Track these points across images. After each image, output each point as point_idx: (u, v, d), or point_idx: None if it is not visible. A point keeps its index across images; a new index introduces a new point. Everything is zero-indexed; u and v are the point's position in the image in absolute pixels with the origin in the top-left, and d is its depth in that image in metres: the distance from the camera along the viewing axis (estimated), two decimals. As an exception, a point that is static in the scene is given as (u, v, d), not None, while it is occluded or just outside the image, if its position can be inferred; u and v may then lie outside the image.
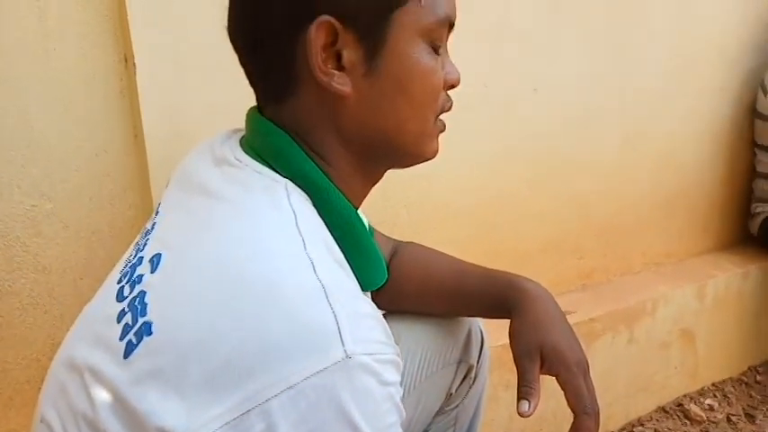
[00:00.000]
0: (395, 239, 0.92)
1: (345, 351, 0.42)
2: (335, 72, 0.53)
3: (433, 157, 0.62)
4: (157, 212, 0.62)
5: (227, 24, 0.58)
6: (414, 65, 0.55)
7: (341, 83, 0.53)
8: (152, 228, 0.59)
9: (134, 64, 0.84)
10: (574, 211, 1.44)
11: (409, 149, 0.59)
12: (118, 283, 0.54)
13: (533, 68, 1.30)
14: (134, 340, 0.47)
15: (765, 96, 1.62)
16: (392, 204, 1.19)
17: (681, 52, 1.53)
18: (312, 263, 0.46)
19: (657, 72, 1.50)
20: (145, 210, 0.90)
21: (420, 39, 0.55)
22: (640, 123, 1.50)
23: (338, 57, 0.53)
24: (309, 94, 0.55)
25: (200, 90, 0.87)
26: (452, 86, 0.60)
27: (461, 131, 1.23)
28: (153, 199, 0.87)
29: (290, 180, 0.54)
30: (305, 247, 0.48)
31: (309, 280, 0.45)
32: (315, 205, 0.54)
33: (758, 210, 1.75)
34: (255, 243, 0.47)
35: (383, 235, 0.90)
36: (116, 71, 0.86)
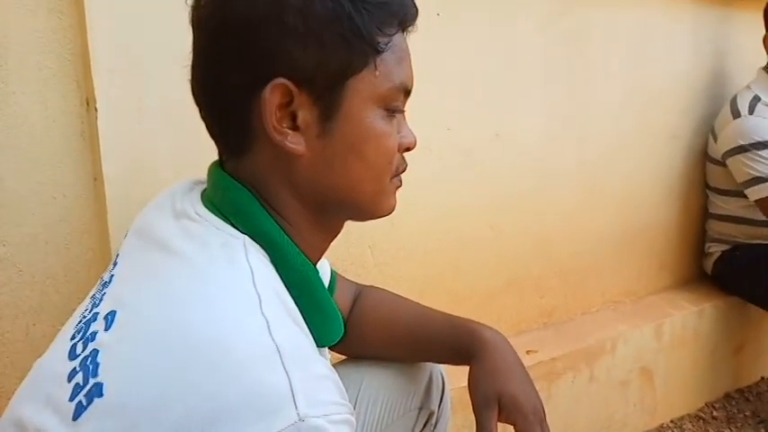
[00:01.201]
0: (357, 284, 0.92)
1: (298, 414, 0.42)
2: (289, 132, 0.54)
3: (390, 212, 0.63)
4: (115, 263, 0.61)
5: (190, 78, 0.59)
6: (367, 129, 0.56)
7: (294, 142, 0.54)
8: (109, 280, 0.58)
9: (95, 108, 0.83)
10: (535, 251, 1.47)
11: (364, 207, 0.60)
12: (71, 339, 0.53)
13: (495, 114, 1.34)
14: (84, 402, 0.46)
15: (716, 142, 1.70)
16: (357, 244, 1.20)
17: (635, 101, 1.60)
18: (267, 323, 0.47)
19: (614, 120, 1.56)
20: (102, 253, 0.88)
21: (375, 105, 0.56)
22: (598, 167, 1.55)
23: (293, 117, 0.54)
24: (266, 151, 0.56)
25: (161, 134, 0.87)
26: (408, 149, 0.62)
27: (425, 173, 1.25)
28: (111, 243, 0.86)
29: (249, 236, 0.54)
30: (260, 306, 0.48)
31: (263, 341, 0.45)
32: (273, 262, 0.55)
33: (712, 249, 1.81)
34: (210, 304, 0.47)
35: (346, 280, 0.90)
36: (77, 114, 0.86)
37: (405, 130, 0.61)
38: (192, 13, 0.57)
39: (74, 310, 0.74)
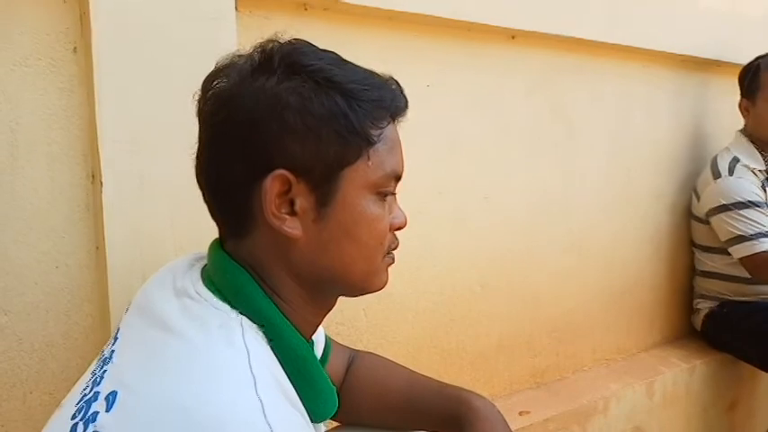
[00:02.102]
0: (351, 349, 0.94)
1: None
2: (287, 217, 0.58)
3: (382, 288, 0.66)
4: (116, 338, 0.63)
5: (195, 165, 0.63)
6: (361, 214, 0.60)
7: (292, 227, 0.58)
8: (110, 356, 0.60)
9: (101, 182, 0.87)
10: (525, 310, 1.50)
11: (357, 285, 0.63)
12: (72, 418, 0.55)
13: (484, 179, 1.39)
14: None
15: (699, 202, 1.75)
16: (351, 306, 1.22)
17: (620, 163, 1.66)
18: (262, 404, 0.49)
19: (599, 181, 1.61)
20: (102, 321, 0.90)
21: (368, 191, 0.60)
22: (585, 227, 1.60)
23: (291, 203, 0.58)
24: (264, 234, 0.59)
25: (161, 207, 0.90)
26: (399, 229, 0.66)
27: (417, 236, 1.29)
28: (110, 310, 0.88)
29: (247, 317, 0.57)
30: (256, 388, 0.50)
31: (257, 423, 0.48)
32: (269, 341, 0.57)
33: (700, 306, 1.84)
34: (207, 386, 0.50)
35: (340, 346, 0.92)
36: (83, 187, 0.89)
37: (396, 210, 0.65)
38: (198, 107, 0.62)
39: (71, 378, 0.75)
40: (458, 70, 1.32)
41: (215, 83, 0.61)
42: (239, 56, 0.62)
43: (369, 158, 0.59)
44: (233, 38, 0.97)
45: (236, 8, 0.98)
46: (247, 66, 0.60)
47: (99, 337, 0.91)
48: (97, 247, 0.91)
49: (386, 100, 0.61)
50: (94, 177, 0.89)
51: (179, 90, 0.89)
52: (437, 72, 1.29)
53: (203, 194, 0.63)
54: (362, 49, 1.17)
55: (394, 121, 0.64)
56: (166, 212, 0.89)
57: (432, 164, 1.30)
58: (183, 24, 0.91)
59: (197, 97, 0.63)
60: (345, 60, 0.63)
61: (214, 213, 0.63)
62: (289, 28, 1.07)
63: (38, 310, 0.87)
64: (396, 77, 1.14)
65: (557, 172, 1.52)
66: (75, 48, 0.87)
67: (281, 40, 0.62)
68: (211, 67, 0.80)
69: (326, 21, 1.12)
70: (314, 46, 0.63)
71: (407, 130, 0.67)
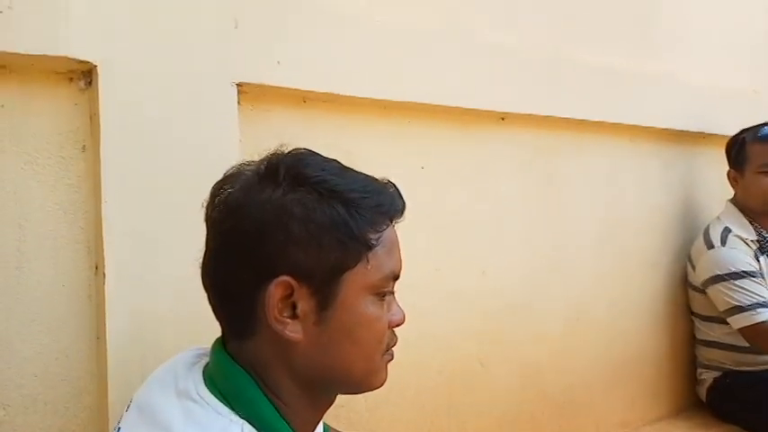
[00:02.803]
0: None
1: None
2: (289, 321, 0.60)
3: (381, 386, 0.67)
4: (116, 438, 0.64)
5: (201, 266, 0.66)
6: (360, 316, 0.62)
7: (293, 330, 0.60)
8: None
9: (104, 273, 0.89)
10: (526, 386, 1.49)
11: (357, 384, 0.65)
12: None
13: (481, 254, 1.41)
14: None
15: (694, 271, 1.77)
16: (349, 387, 1.21)
17: (613, 234, 1.68)
18: None
19: (593, 253, 1.64)
20: (100, 414, 0.90)
21: (367, 293, 0.63)
22: (582, 299, 1.61)
23: (293, 306, 0.61)
24: (266, 337, 0.61)
25: (162, 300, 0.92)
26: (397, 326, 0.68)
27: (415, 314, 1.28)
28: (109, 404, 0.88)
29: (248, 421, 0.58)
30: None
31: None
32: None
33: (703, 376, 1.82)
34: None
35: (337, 432, 0.92)
36: (86, 278, 0.91)
37: (394, 308, 0.68)
38: (206, 213, 0.66)
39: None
40: (451, 151, 1.37)
41: (223, 190, 0.64)
42: (247, 164, 0.67)
43: (368, 262, 0.62)
44: (235, 132, 1.02)
45: (238, 103, 1.03)
46: (254, 176, 0.64)
47: (96, 428, 0.91)
48: (98, 338, 0.92)
49: (385, 205, 0.65)
50: (98, 268, 0.91)
51: (182, 185, 0.94)
52: (431, 154, 1.33)
53: (208, 296, 0.66)
54: (359, 136, 1.22)
55: (392, 222, 0.67)
56: (168, 305, 0.91)
57: (428, 241, 1.33)
58: (187, 121, 0.96)
59: (205, 203, 0.66)
60: (347, 168, 0.67)
61: (218, 314, 0.66)
62: (289, 121, 1.14)
63: (36, 402, 0.88)
64: (391, 160, 1.19)
65: (551, 245, 1.54)
66: (84, 146, 0.91)
67: (286, 151, 0.66)
68: (213, 163, 0.85)
69: (325, 111, 1.17)
70: (317, 155, 0.67)
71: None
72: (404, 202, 0.68)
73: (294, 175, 0.62)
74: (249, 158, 0.99)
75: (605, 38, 1.64)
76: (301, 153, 0.66)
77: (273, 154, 0.66)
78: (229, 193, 0.63)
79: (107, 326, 0.90)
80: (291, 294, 0.60)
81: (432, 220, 1.33)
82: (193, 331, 0.89)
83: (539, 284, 1.52)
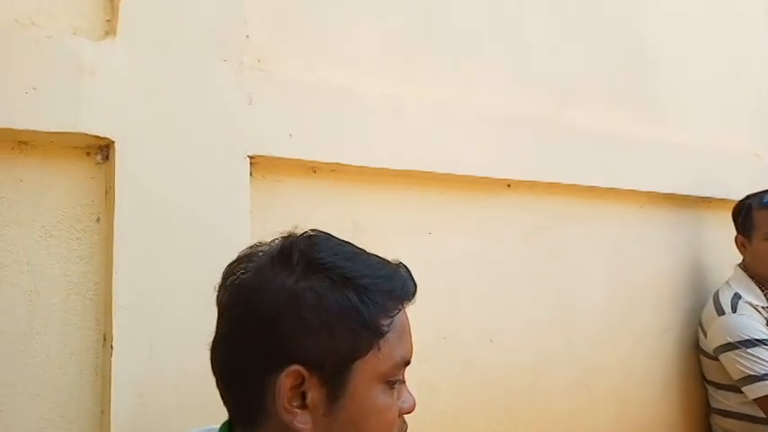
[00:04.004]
0: None
1: None
2: (298, 411, 0.60)
3: None
4: None
5: (210, 350, 0.66)
6: (370, 406, 0.61)
7: (302, 422, 0.59)
8: None
9: (111, 345, 0.89)
10: (537, 458, 1.44)
11: None
12: None
13: (488, 321, 1.40)
14: None
15: (705, 337, 1.74)
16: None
17: (620, 299, 1.67)
18: None
19: (601, 318, 1.62)
20: (101, 491, 0.88)
21: (378, 382, 0.62)
22: (591, 366, 1.58)
23: (303, 395, 0.60)
24: (274, 426, 0.61)
25: (168, 373, 0.91)
26: (408, 413, 0.67)
27: (422, 383, 1.28)
28: (110, 480, 0.86)
29: None
30: None
31: None
32: None
33: (720, 446, 1.77)
34: None
35: None
36: (93, 350, 0.91)
37: (404, 395, 0.66)
38: (218, 297, 0.66)
39: None
40: (458, 218, 1.38)
41: (236, 274, 0.64)
42: (260, 246, 0.67)
43: (379, 349, 0.62)
44: (246, 203, 1.04)
45: (250, 174, 1.06)
46: (267, 260, 0.64)
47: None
48: (102, 412, 0.91)
49: (396, 290, 0.64)
50: (105, 340, 0.91)
51: (193, 259, 0.95)
52: (438, 221, 1.35)
53: (216, 381, 0.65)
54: (367, 204, 1.24)
55: (404, 306, 0.66)
56: (173, 381, 0.91)
57: (436, 308, 1.32)
58: (200, 193, 0.98)
59: (217, 286, 0.66)
60: (360, 251, 0.67)
61: (226, 400, 0.65)
62: (299, 190, 1.16)
63: (38, 480, 0.86)
64: (398, 227, 1.20)
65: (559, 311, 1.53)
66: (98, 218, 0.93)
67: (300, 232, 0.67)
68: (225, 235, 0.86)
69: (334, 180, 1.19)
70: (330, 238, 0.67)
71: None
72: (415, 285, 0.68)
73: (308, 260, 0.62)
74: (260, 228, 1.03)
75: (607, 104, 1.68)
76: (315, 236, 0.66)
77: (288, 236, 0.66)
78: (242, 276, 0.63)
79: (112, 399, 0.89)
80: (302, 384, 0.59)
81: (438, 287, 1.33)
82: (197, 407, 0.89)
83: (547, 352, 1.50)
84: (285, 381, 0.58)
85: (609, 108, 1.68)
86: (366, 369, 0.61)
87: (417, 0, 1.34)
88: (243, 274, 0.64)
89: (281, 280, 0.61)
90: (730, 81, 2.07)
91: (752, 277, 1.75)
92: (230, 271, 0.66)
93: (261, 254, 0.65)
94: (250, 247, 0.68)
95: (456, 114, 1.34)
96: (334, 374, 0.60)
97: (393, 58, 1.30)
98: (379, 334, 0.61)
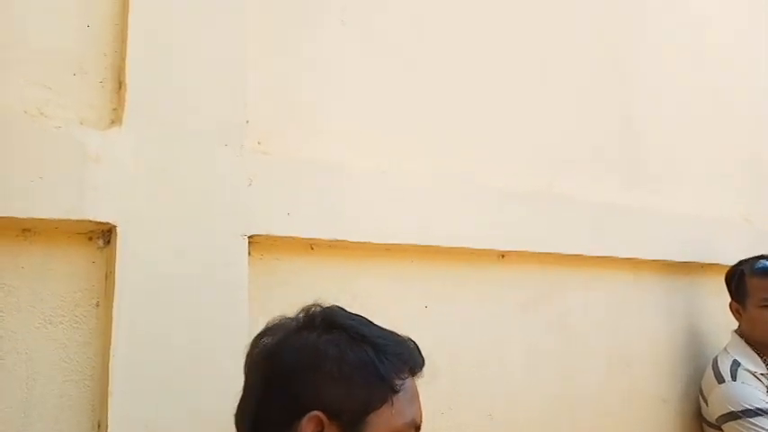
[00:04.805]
0: None
1: None
2: None
3: None
4: None
5: (236, 410, 0.71)
6: None
7: None
8: None
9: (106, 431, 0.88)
10: None
11: None
12: None
13: (487, 395, 1.39)
14: None
15: (707, 406, 1.72)
16: None
17: (619, 369, 1.66)
18: None
19: (600, 388, 1.60)
20: None
21: None
22: (594, 439, 1.55)
23: None
24: None
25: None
26: None
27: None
28: None
29: None
30: None
31: None
32: None
33: None
34: None
35: None
36: (88, 438, 0.90)
37: None
38: (246, 361, 0.73)
39: None
40: (453, 291, 1.39)
41: (263, 340, 0.72)
42: (283, 318, 0.75)
43: (392, 405, 0.67)
44: (244, 283, 1.05)
45: (248, 254, 1.07)
46: (293, 324, 0.72)
47: None
48: (95, 501, 0.89)
49: (405, 355, 0.72)
50: (100, 426, 0.90)
51: (191, 342, 0.95)
52: (434, 294, 1.35)
53: None
54: (364, 279, 1.25)
55: (413, 375, 0.73)
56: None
57: (433, 383, 1.30)
58: (199, 275, 1.00)
59: (245, 351, 0.73)
60: (371, 322, 0.75)
61: None
62: (297, 267, 1.17)
63: None
64: (394, 301, 1.23)
65: (558, 383, 1.52)
66: (97, 302, 0.94)
67: (322, 304, 0.75)
68: (222, 315, 0.89)
69: (331, 257, 1.21)
70: (346, 311, 0.76)
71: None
72: (423, 359, 0.75)
73: (329, 322, 0.71)
74: (259, 307, 1.04)
75: (597, 175, 1.72)
76: (335, 306, 0.76)
77: (310, 306, 0.75)
78: (268, 341, 0.71)
79: (105, 489, 0.87)
80: (321, 430, 0.64)
81: (435, 361, 1.31)
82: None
83: (547, 424, 1.47)
84: (307, 425, 0.63)
85: (600, 179, 1.72)
86: (380, 423, 0.66)
87: (412, 79, 1.40)
88: (270, 338, 0.71)
89: (304, 337, 0.69)
90: (718, 150, 2.13)
91: (749, 344, 1.74)
92: (258, 338, 0.73)
93: (285, 323, 0.73)
94: (274, 319, 0.76)
95: (450, 188, 1.37)
96: (351, 424, 0.65)
97: (389, 135, 1.34)
98: (393, 390, 0.67)
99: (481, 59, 1.53)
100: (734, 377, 1.67)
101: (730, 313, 1.83)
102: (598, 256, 1.62)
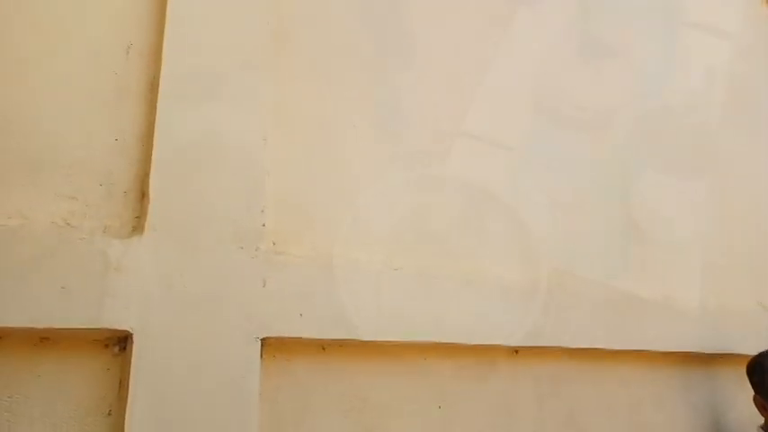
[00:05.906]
0: None
1: None
2: None
3: None
4: None
5: None
6: None
7: None
8: None
9: None
10: None
11: None
12: None
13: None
14: None
15: None
16: None
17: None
18: None
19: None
20: None
21: None
22: None
23: None
24: None
25: None
26: None
27: None
28: None
29: None
30: None
31: None
32: None
33: None
34: None
35: None
36: None
37: None
38: None
39: None
40: (467, 388, 1.37)
41: None
42: None
43: None
44: (256, 384, 1.05)
45: (261, 356, 1.08)
46: None
47: None
48: None
49: None
50: None
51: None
52: (447, 392, 1.33)
53: None
54: (376, 379, 1.25)
55: None
56: None
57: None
58: (211, 378, 1.00)
59: None
60: None
61: None
62: (309, 368, 1.17)
63: None
64: (407, 401, 1.20)
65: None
66: (109, 411, 0.94)
67: None
68: (233, 417, 0.86)
69: (344, 356, 1.21)
70: None
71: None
72: None
73: None
74: (269, 408, 1.04)
75: (606, 269, 1.72)
76: None
77: None
78: None
79: None
80: None
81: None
82: None
83: None
84: None
85: (609, 273, 1.72)
86: None
87: (425, 180, 1.44)
88: None
89: None
90: (728, 240, 2.13)
91: (776, 441, 1.67)
92: None
93: None
94: None
95: (460, 285, 1.38)
96: None
97: (400, 234, 1.37)
98: None
99: (493, 161, 1.58)
100: (764, 477, 1.59)
101: (753, 405, 1.77)
102: (612, 350, 1.59)
